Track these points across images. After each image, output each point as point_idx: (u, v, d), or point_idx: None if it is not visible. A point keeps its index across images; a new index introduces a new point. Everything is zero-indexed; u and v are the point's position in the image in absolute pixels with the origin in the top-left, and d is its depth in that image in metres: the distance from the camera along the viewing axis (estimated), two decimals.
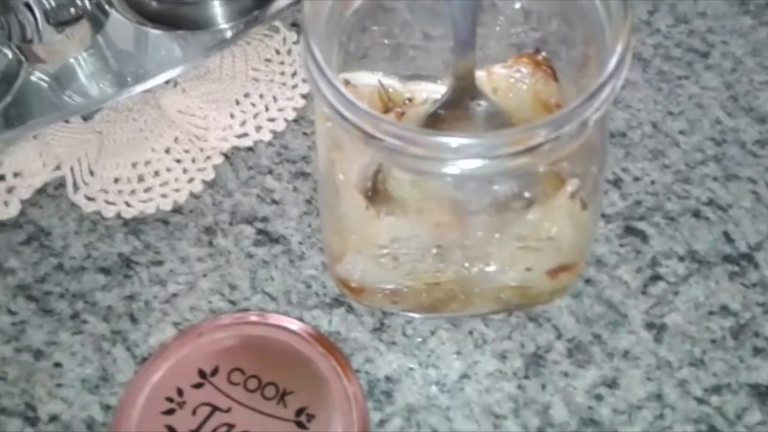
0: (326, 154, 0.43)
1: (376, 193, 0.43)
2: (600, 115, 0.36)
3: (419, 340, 0.49)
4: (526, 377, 0.48)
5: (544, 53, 0.46)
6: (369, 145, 0.36)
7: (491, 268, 0.44)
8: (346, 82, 0.46)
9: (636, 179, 0.55)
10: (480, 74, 0.45)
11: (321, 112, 0.40)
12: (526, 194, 0.42)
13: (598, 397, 0.47)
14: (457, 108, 0.44)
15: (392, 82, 0.47)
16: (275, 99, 0.59)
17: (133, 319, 0.51)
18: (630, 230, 0.53)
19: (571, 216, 0.42)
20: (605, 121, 0.42)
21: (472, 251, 0.43)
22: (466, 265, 0.44)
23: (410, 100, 0.47)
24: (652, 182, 0.55)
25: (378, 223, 0.42)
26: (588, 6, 0.40)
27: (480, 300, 0.46)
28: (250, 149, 0.58)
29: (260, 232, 0.54)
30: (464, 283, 0.45)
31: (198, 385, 0.45)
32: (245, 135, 0.58)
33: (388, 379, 0.48)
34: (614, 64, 0.36)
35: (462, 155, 0.35)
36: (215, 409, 0.44)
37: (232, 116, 0.58)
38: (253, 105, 0.59)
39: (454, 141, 0.35)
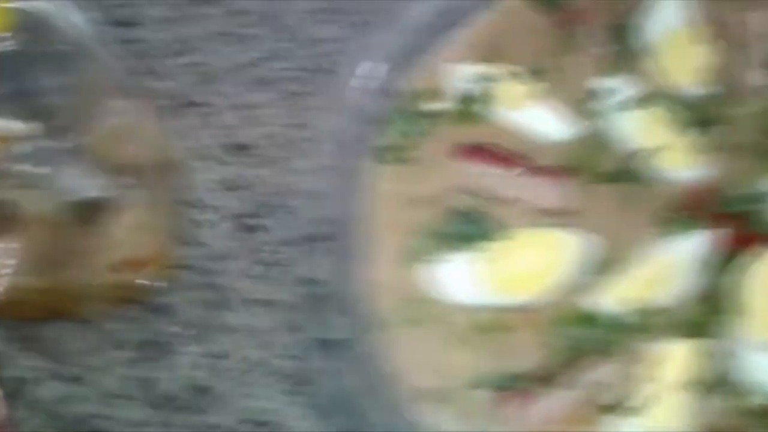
0: None
1: None
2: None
3: (63, 345, 0.58)
4: (143, 360, 0.58)
5: None
6: None
7: (85, 272, 0.54)
8: None
9: (259, 182, 0.66)
10: None
11: None
12: (103, 206, 0.52)
13: (210, 367, 0.58)
14: None
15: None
16: None
17: None
18: (248, 226, 0.64)
19: (138, 222, 0.53)
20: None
21: (65, 260, 0.53)
22: (65, 273, 0.53)
23: None
24: (273, 183, 0.66)
25: None
26: None
27: (92, 300, 0.56)
28: None
29: None
30: (70, 289, 0.54)
31: None
32: None
33: (33, 381, 0.57)
34: None
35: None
36: None
37: None
38: None
39: None
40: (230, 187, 0.66)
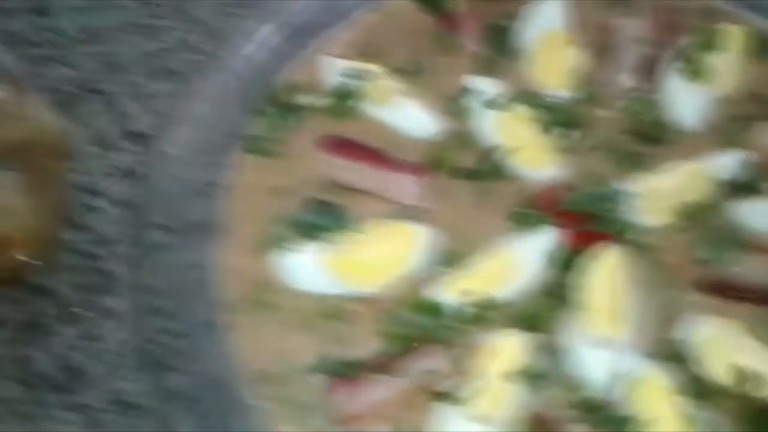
0: None
1: None
2: None
3: None
4: (21, 340, 0.59)
5: None
6: None
7: None
8: None
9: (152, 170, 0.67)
10: None
11: None
12: None
13: (86, 349, 0.59)
14: None
15: None
16: None
17: None
18: (136, 212, 0.65)
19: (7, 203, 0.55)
20: None
21: None
22: None
23: None
24: (164, 171, 0.67)
25: None
26: None
27: None
28: None
29: None
30: None
31: None
32: None
33: None
34: None
35: None
36: None
37: None
38: None
39: None
40: (124, 173, 0.67)
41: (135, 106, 0.71)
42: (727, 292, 0.56)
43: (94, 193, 0.66)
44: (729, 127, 0.62)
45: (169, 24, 0.75)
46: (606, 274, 0.55)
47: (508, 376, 0.52)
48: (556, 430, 0.51)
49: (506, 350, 0.53)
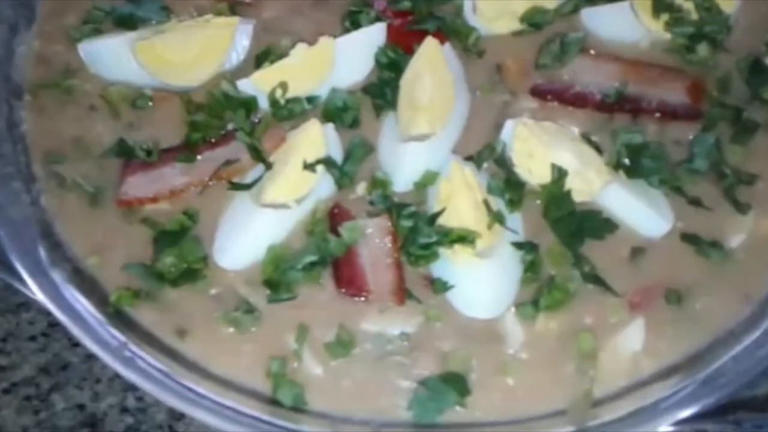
0: None
1: None
2: None
3: None
4: None
5: None
6: None
7: None
8: None
9: None
10: None
11: None
12: None
13: None
14: None
15: None
16: None
17: None
18: None
19: None
20: None
21: None
22: None
23: None
24: None
25: None
26: None
27: None
28: None
29: None
30: None
31: None
32: None
33: None
34: None
35: None
36: None
37: None
38: None
39: None
40: None
41: None
42: (565, 98, 0.53)
43: None
44: None
45: None
46: (433, 72, 0.52)
47: (308, 166, 0.49)
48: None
49: (310, 141, 0.50)
